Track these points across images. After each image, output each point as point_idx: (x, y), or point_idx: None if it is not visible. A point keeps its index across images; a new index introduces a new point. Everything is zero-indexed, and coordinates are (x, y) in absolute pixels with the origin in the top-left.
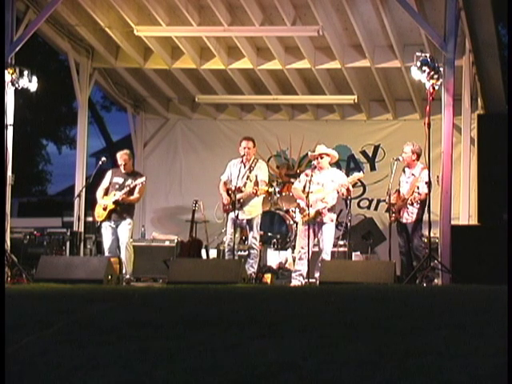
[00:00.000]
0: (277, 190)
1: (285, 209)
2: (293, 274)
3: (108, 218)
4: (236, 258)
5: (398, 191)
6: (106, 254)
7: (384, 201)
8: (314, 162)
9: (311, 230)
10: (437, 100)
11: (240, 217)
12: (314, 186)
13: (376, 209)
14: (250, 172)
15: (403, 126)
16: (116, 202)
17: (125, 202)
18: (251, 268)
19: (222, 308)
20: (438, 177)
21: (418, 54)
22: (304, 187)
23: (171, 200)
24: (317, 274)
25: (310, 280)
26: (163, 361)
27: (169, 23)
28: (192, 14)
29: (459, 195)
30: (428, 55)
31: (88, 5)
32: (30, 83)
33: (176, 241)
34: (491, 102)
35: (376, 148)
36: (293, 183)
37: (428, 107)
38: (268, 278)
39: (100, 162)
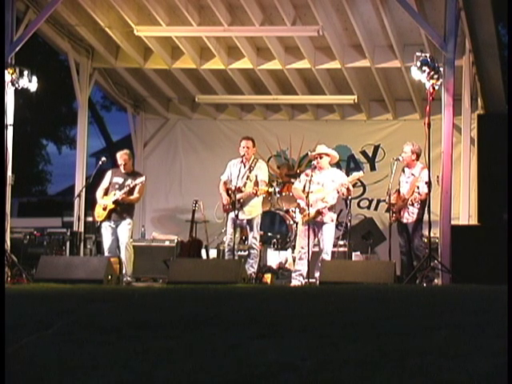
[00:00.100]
0: (277, 189)
1: (285, 209)
2: (293, 274)
3: (108, 217)
4: (236, 257)
5: (398, 191)
6: (106, 254)
7: (384, 201)
8: (314, 162)
9: (311, 230)
10: (437, 100)
11: (240, 217)
12: (314, 186)
13: (376, 209)
14: (249, 172)
15: (403, 126)
16: (116, 202)
17: (125, 201)
18: (251, 268)
19: (221, 308)
20: (438, 177)
21: (418, 53)
22: (304, 187)
23: (171, 200)
24: (317, 274)
25: (310, 280)
26: (163, 361)
27: (169, 23)
28: (192, 14)
29: (459, 195)
30: (428, 55)
31: (88, 5)
32: (30, 83)
33: (176, 241)
34: (491, 102)
35: (376, 148)
36: (293, 183)
37: (428, 107)
38: (268, 277)
39: (100, 162)
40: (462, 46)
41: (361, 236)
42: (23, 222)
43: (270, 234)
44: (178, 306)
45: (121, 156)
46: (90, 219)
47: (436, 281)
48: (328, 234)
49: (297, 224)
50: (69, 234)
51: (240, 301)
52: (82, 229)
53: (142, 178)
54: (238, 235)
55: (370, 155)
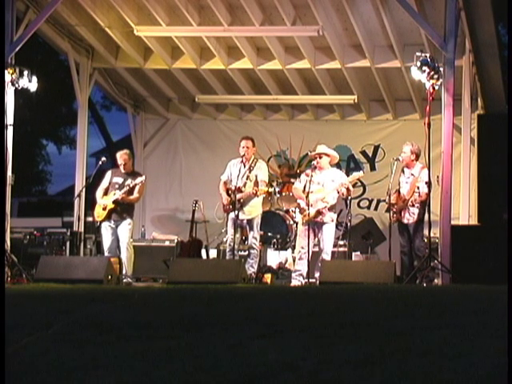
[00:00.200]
0: (277, 189)
1: (285, 209)
2: (293, 274)
3: (108, 217)
4: (236, 257)
5: (398, 191)
6: (106, 254)
7: (384, 201)
8: (314, 162)
9: (311, 230)
10: (437, 100)
11: (240, 217)
12: (315, 186)
13: (376, 209)
14: (249, 172)
15: (403, 126)
16: (116, 202)
17: (124, 201)
18: (251, 268)
19: (221, 308)
20: (437, 177)
21: (418, 53)
22: (304, 187)
23: (171, 200)
24: (317, 274)
25: (310, 280)
26: (163, 361)
27: (169, 23)
28: (192, 14)
29: (459, 195)
30: (428, 55)
31: (88, 5)
32: (30, 83)
33: (176, 241)
34: (491, 102)
35: (376, 148)
36: (293, 183)
37: (428, 107)
38: (268, 277)
39: (100, 162)
40: (462, 46)
41: (361, 236)
42: (23, 221)
43: (270, 234)
44: (178, 306)
45: (121, 156)
46: (90, 219)
47: (436, 281)
48: (328, 233)
49: (297, 224)
50: (69, 233)
51: (240, 301)
52: (82, 229)
53: (142, 178)
54: (238, 235)
55: (370, 155)
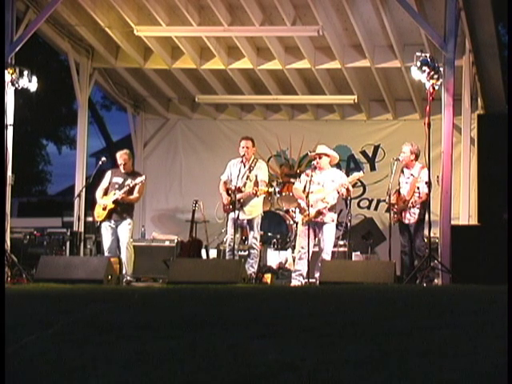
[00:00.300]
0: (277, 189)
1: (285, 209)
2: (293, 274)
3: (108, 217)
4: (236, 258)
5: (398, 191)
6: (106, 254)
7: (384, 201)
8: (314, 162)
9: (311, 230)
10: (437, 100)
11: (240, 217)
12: (315, 186)
13: (376, 209)
14: (249, 172)
15: (403, 126)
16: (116, 202)
17: (124, 201)
18: (251, 268)
19: (222, 308)
20: (437, 177)
21: (418, 53)
22: (304, 187)
23: (171, 200)
24: (317, 274)
25: (310, 280)
26: (163, 361)
27: (169, 23)
28: (192, 14)
29: (459, 195)
30: (428, 55)
31: (88, 5)
32: (30, 83)
33: (176, 241)
34: (491, 102)
35: (376, 148)
36: (293, 183)
37: (428, 107)
38: (268, 277)
39: (100, 162)
40: (462, 46)
41: (361, 236)
42: (23, 221)
43: (269, 234)
44: (178, 306)
45: (120, 156)
46: (90, 219)
47: (436, 281)
48: (328, 234)
49: (297, 224)
50: (69, 233)
51: (240, 301)
52: (82, 229)
53: (142, 178)
54: (238, 235)
55: (370, 155)
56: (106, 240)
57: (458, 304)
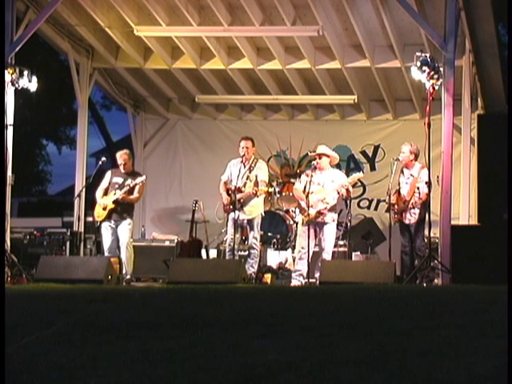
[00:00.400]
0: (277, 189)
1: (285, 209)
2: (293, 274)
3: (108, 217)
4: (236, 258)
5: (398, 191)
6: (106, 254)
7: (384, 201)
8: (314, 162)
9: (312, 230)
10: (437, 100)
11: (241, 217)
12: (315, 187)
13: (376, 209)
14: (249, 172)
15: (403, 126)
16: (116, 202)
17: (125, 201)
18: (251, 268)
19: (222, 308)
20: (437, 177)
21: (418, 53)
22: (304, 188)
23: (171, 200)
24: (317, 274)
25: (310, 280)
26: (163, 361)
27: (169, 23)
28: (192, 14)
29: (459, 195)
30: (428, 55)
31: (88, 5)
32: (30, 83)
33: (176, 241)
34: (491, 102)
35: (376, 148)
36: (293, 183)
37: (428, 107)
38: (268, 277)
39: (100, 162)
40: (462, 46)
41: (361, 236)
42: (23, 221)
43: (269, 234)
44: (178, 306)
45: (120, 156)
46: (90, 219)
47: (436, 281)
48: (329, 234)
49: (297, 224)
50: (69, 234)
51: (240, 301)
52: (82, 229)
53: (142, 178)
54: (238, 235)
55: (370, 155)
56: (106, 240)
57: (458, 304)
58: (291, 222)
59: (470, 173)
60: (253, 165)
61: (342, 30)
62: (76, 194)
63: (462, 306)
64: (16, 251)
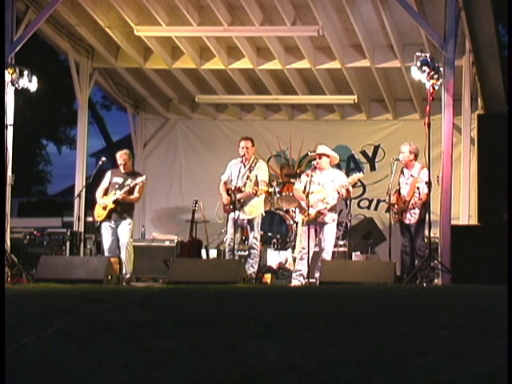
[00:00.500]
0: (277, 190)
1: (285, 209)
2: (293, 274)
3: (108, 217)
4: (236, 257)
5: (398, 191)
6: (106, 254)
7: (384, 201)
8: (314, 162)
9: (312, 230)
10: (437, 100)
11: (241, 217)
12: (315, 187)
13: (376, 209)
14: (249, 172)
15: (403, 126)
16: (116, 202)
17: (125, 201)
18: (251, 268)
19: (222, 308)
20: (437, 177)
21: (418, 53)
22: (304, 188)
23: (171, 200)
24: (317, 274)
25: (310, 280)
26: (163, 361)
27: (169, 23)
28: (192, 14)
29: (459, 195)
30: (428, 55)
31: (88, 5)
32: (30, 83)
33: (176, 241)
34: (491, 102)
35: (376, 148)
36: (293, 183)
37: (428, 107)
38: (268, 278)
39: (100, 162)
40: (462, 46)
41: (361, 236)
42: (23, 221)
43: (269, 234)
44: (178, 306)
45: (120, 156)
46: (90, 219)
47: (436, 281)
48: (329, 234)
49: (297, 224)
50: (69, 234)
51: (240, 301)
52: (82, 229)
53: (143, 178)
54: (238, 235)
55: (370, 155)
56: (106, 240)
57: (458, 304)
58: (291, 222)
59: (470, 173)
60: (253, 165)
61: (342, 30)
62: (76, 194)
63: (462, 306)
64: (16, 251)
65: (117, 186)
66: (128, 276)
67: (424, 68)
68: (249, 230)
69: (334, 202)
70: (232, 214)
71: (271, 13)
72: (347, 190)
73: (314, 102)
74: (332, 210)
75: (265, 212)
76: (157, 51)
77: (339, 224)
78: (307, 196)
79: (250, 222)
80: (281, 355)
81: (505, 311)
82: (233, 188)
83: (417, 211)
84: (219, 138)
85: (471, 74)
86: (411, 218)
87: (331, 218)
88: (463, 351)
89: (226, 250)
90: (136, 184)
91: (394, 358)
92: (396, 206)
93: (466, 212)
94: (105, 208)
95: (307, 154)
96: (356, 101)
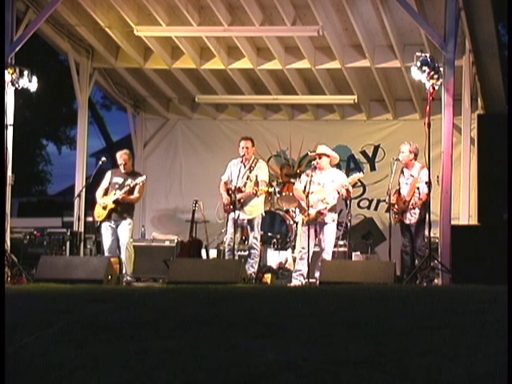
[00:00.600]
0: (277, 190)
1: (285, 209)
2: (293, 274)
3: (108, 217)
4: (236, 257)
5: (398, 191)
6: (106, 254)
7: (384, 201)
8: (314, 162)
9: (312, 230)
10: (437, 100)
11: (241, 217)
12: (315, 187)
13: (376, 209)
14: (250, 172)
15: (403, 126)
16: (116, 202)
17: (125, 201)
18: (251, 268)
19: (222, 308)
20: (437, 177)
21: (418, 53)
22: (304, 187)
23: (171, 200)
24: (317, 274)
25: (310, 280)
26: (163, 361)
27: (169, 23)
28: (192, 14)
29: (459, 195)
30: (428, 55)
31: (88, 5)
32: (30, 83)
33: (176, 241)
34: (491, 102)
35: (376, 148)
36: (293, 183)
37: (428, 107)
38: (268, 278)
39: (100, 162)
40: (462, 46)
41: (361, 236)
42: (23, 221)
43: (269, 234)
44: (178, 306)
45: (120, 156)
46: (90, 219)
47: (436, 281)
48: (329, 234)
49: (297, 224)
50: (69, 234)
51: (240, 301)
52: (82, 229)
53: (143, 178)
54: (238, 235)
55: (370, 155)
56: (106, 240)
57: (458, 304)
58: (291, 222)
59: (470, 173)
60: (253, 165)
61: (342, 29)
62: (76, 194)
63: (462, 306)
64: (16, 251)
65: (117, 186)
66: (128, 277)
67: (424, 68)
68: (249, 230)
69: (334, 201)
70: (232, 214)
71: (271, 13)
72: (347, 190)
73: (314, 102)
74: (332, 209)
75: (265, 212)
76: (157, 51)
77: (339, 224)
78: (307, 196)
79: (250, 221)
80: (281, 355)
81: (505, 311)
82: (233, 188)
83: (417, 211)
84: (219, 137)
85: (471, 74)
86: (411, 217)
87: (331, 218)
88: (463, 351)
89: (226, 250)
90: (136, 184)
91: (394, 358)
92: (396, 205)
93: (465, 212)
94: (105, 208)
95: (307, 154)
96: (356, 101)
